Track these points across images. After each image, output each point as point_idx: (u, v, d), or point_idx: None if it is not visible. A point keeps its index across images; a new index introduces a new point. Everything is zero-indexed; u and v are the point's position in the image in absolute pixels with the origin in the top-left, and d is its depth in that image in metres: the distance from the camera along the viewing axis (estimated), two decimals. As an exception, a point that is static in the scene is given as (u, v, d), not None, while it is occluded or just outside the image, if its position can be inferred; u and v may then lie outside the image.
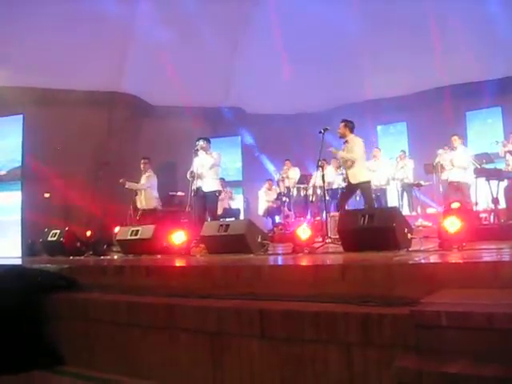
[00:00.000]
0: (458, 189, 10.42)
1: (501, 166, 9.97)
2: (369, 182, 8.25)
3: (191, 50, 12.93)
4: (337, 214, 8.16)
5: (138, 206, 10.51)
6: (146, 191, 10.47)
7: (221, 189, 9.01)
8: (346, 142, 8.05)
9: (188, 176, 8.63)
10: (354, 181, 8.03)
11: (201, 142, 8.74)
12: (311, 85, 14.01)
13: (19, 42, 11.25)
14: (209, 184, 8.62)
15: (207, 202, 8.61)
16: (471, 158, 10.26)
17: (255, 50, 13.35)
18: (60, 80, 12.32)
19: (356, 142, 8.05)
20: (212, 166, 8.64)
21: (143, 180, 10.49)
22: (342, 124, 8.13)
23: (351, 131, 8.10)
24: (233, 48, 13.66)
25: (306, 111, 15.25)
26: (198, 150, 8.65)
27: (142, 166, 10.56)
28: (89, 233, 8.66)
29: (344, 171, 8.74)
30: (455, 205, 8.85)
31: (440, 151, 10.99)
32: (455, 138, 10.57)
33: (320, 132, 7.79)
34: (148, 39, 12.47)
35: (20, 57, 11.30)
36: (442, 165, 10.81)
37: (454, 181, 10.45)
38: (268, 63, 13.53)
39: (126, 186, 10.34)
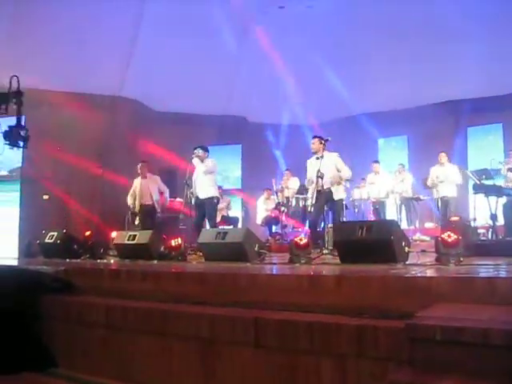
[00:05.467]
0: (447, 203, 10.64)
1: (500, 182, 9.99)
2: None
3: (195, 56, 12.96)
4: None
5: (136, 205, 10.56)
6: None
7: (218, 195, 9.01)
8: (321, 157, 7.93)
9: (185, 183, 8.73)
10: (336, 197, 8.14)
11: (198, 151, 8.79)
12: (312, 96, 14.04)
13: (21, 44, 11.27)
14: (205, 191, 8.65)
15: (206, 208, 8.64)
16: (468, 173, 10.35)
17: (258, 61, 13.38)
18: (61, 82, 12.33)
19: (339, 159, 8.22)
20: (207, 173, 8.68)
21: (156, 187, 10.79)
22: (317, 140, 8.15)
23: (325, 148, 8.12)
24: (237, 57, 13.70)
25: (307, 122, 15.26)
26: (192, 158, 8.71)
27: (139, 169, 10.59)
28: (87, 234, 8.61)
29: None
30: (455, 219, 8.89)
31: (432, 168, 11.12)
32: (442, 154, 10.89)
33: (321, 143, 7.83)
34: (152, 45, 12.51)
35: (21, 58, 11.31)
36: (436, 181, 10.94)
37: (443, 196, 10.66)
38: (270, 74, 13.55)
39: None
